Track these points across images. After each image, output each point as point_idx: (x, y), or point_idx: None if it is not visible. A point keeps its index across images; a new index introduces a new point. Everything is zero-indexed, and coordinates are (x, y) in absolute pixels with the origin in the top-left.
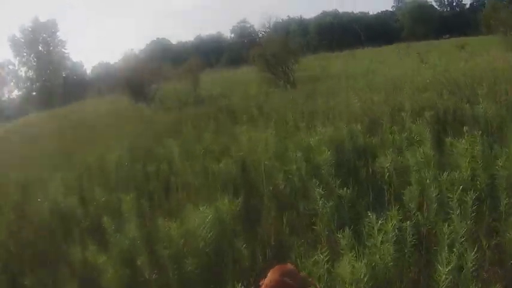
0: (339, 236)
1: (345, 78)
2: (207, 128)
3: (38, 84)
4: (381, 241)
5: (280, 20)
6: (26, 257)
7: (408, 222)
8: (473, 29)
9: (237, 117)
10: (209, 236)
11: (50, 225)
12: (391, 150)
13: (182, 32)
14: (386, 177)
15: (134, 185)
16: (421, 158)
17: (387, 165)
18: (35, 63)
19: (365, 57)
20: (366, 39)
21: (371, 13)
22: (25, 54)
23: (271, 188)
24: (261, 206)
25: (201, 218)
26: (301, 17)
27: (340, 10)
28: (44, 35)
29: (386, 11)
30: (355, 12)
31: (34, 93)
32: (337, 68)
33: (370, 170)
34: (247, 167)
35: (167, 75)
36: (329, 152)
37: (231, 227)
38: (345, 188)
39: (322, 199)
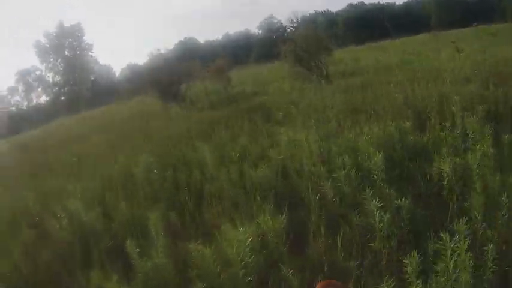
0: (405, 261)
1: (380, 71)
2: (241, 129)
3: (66, 88)
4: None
5: (307, 14)
6: (38, 281)
7: (491, 245)
8: (499, 15)
9: (272, 116)
10: (250, 261)
11: (69, 245)
12: (445, 150)
13: (206, 30)
14: (446, 183)
15: (163, 195)
16: (483, 160)
17: (447, 168)
18: (61, 68)
19: (395, 48)
20: (394, 30)
21: (397, 3)
22: (51, 59)
23: (317, 198)
24: (308, 220)
25: (240, 241)
26: (327, 10)
27: (366, 1)
28: (70, 40)
29: (413, 0)
30: (381, 2)
31: (62, 97)
32: (369, 61)
33: (428, 175)
34: (288, 173)
35: (197, 75)
36: (380, 155)
37: (275, 249)
38: (403, 198)
39: (378, 211)
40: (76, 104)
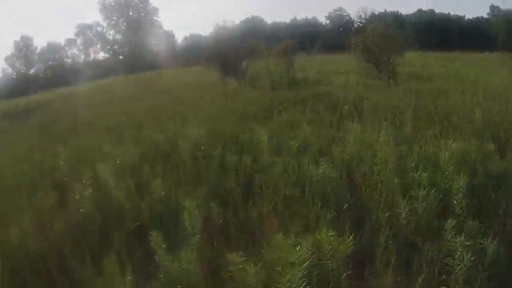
0: None
1: (450, 80)
2: (302, 116)
3: (126, 48)
4: None
5: (377, 13)
6: (43, 261)
7: None
8: None
9: (337, 108)
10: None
11: (88, 219)
12: None
13: (275, 12)
14: None
15: (207, 176)
16: None
17: None
18: (124, 28)
19: (465, 61)
20: (461, 44)
21: (466, 17)
22: (115, 17)
23: (386, 215)
24: (375, 242)
25: (292, 263)
26: (397, 12)
27: (437, 10)
28: (136, 1)
29: (482, 17)
30: (451, 13)
31: (121, 57)
32: (437, 68)
33: None
34: (354, 177)
35: (260, 54)
36: (463, 178)
37: (333, 275)
38: (488, 237)
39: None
40: (134, 64)
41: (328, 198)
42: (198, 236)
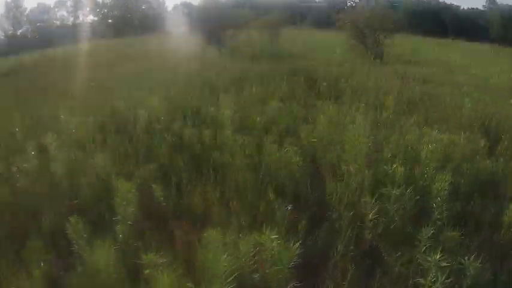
0: None
1: (441, 67)
2: (276, 91)
3: (115, 12)
4: None
5: None
6: None
7: None
8: None
9: (315, 85)
10: None
11: (21, 198)
12: None
13: None
14: None
15: (158, 154)
16: None
17: None
18: None
19: (457, 50)
20: (453, 32)
21: (461, 7)
22: None
23: (351, 214)
24: (332, 246)
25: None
26: None
27: None
28: None
29: (477, 8)
30: (446, 1)
31: (110, 20)
32: (428, 53)
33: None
34: (319, 164)
35: (246, 24)
36: (447, 178)
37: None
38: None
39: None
40: (122, 28)
41: (285, 187)
42: (128, 223)
